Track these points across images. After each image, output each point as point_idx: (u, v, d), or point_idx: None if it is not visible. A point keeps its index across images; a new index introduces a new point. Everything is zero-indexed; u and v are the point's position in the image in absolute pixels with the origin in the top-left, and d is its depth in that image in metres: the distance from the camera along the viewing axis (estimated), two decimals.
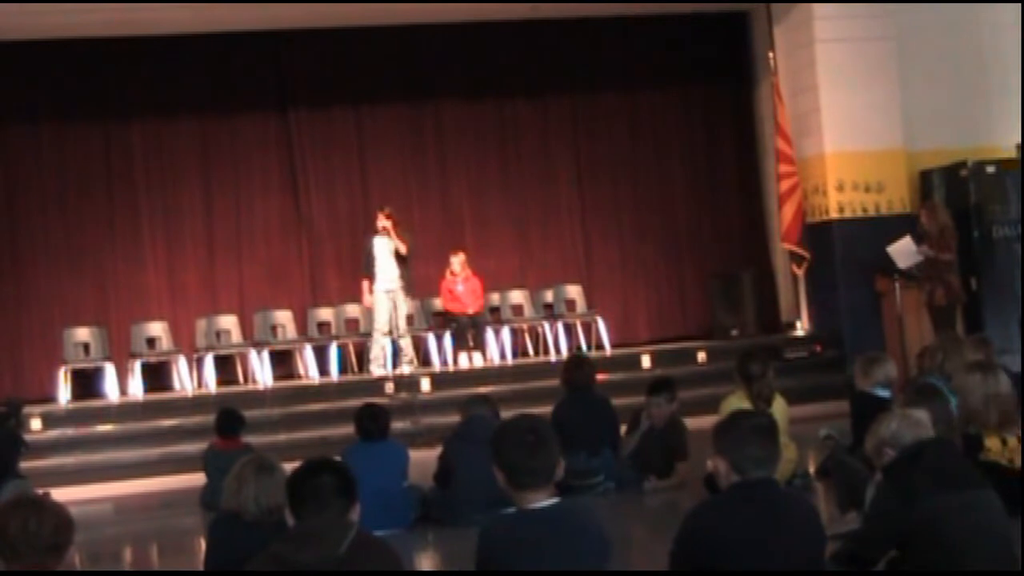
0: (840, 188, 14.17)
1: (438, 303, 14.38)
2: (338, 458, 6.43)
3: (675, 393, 8.97)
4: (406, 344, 13.53)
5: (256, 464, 5.37)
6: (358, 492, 4.03)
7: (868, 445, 5.11)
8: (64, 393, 13.08)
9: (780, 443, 4.41)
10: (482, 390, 11.71)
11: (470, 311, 14.01)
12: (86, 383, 13.50)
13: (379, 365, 13.36)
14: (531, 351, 14.65)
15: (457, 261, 14.12)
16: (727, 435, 4.28)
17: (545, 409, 9.43)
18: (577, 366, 9.59)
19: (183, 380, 13.47)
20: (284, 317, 14.25)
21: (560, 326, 14.49)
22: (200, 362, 13.64)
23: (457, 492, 7.93)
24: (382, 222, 13.37)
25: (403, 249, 13.35)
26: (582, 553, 3.99)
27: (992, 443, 6.14)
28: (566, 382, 9.41)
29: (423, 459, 8.81)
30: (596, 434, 8.96)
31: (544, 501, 4.03)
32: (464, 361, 13.88)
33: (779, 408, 7.82)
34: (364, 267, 13.45)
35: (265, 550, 3.96)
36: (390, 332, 13.36)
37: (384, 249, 13.35)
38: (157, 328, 13.89)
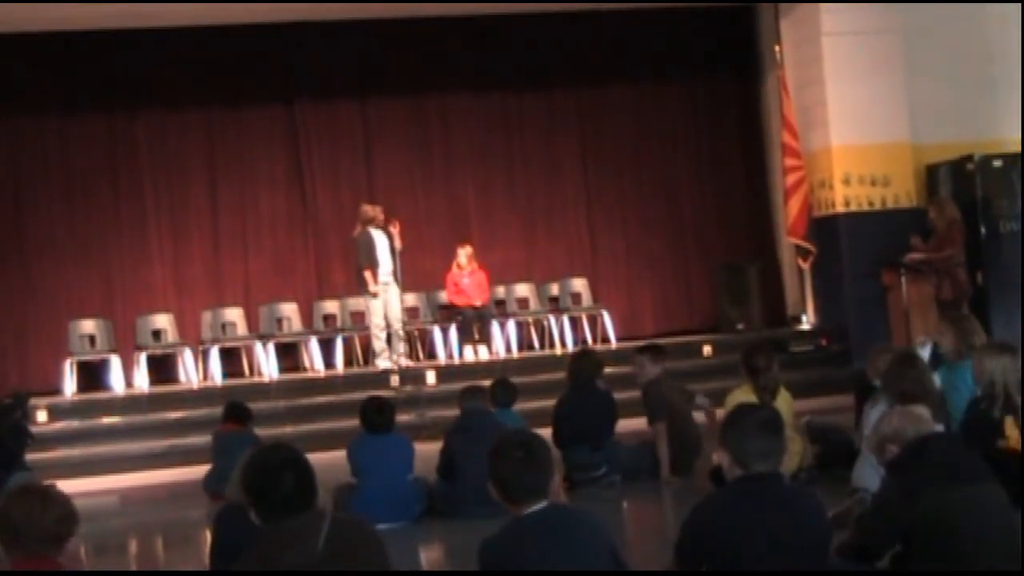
0: (846, 182, 14.16)
1: (443, 296, 14.39)
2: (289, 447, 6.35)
3: (661, 357, 9.01)
4: (402, 336, 13.49)
5: None
6: (316, 478, 3.97)
7: (870, 442, 5.10)
8: (70, 385, 13.10)
9: (785, 437, 4.41)
10: (487, 383, 11.67)
11: (476, 304, 14.01)
12: (92, 375, 13.53)
13: (385, 358, 13.35)
14: (536, 344, 14.64)
15: (464, 254, 14.11)
16: (731, 429, 4.29)
17: (550, 402, 9.45)
18: (581, 359, 9.60)
19: (188, 372, 13.48)
20: (290, 310, 14.25)
21: (566, 319, 14.48)
22: (206, 354, 13.64)
23: (461, 485, 7.93)
24: (379, 215, 13.34)
25: (399, 243, 13.30)
26: (582, 552, 4.01)
27: (1012, 431, 6.05)
28: (571, 375, 9.42)
29: (429, 452, 8.81)
30: (600, 427, 8.98)
31: (538, 505, 4.05)
32: (470, 354, 13.88)
33: (784, 401, 7.81)
34: (366, 259, 13.15)
35: (248, 554, 3.91)
36: (388, 325, 13.32)
37: (383, 242, 13.32)
38: (163, 320, 13.89)
